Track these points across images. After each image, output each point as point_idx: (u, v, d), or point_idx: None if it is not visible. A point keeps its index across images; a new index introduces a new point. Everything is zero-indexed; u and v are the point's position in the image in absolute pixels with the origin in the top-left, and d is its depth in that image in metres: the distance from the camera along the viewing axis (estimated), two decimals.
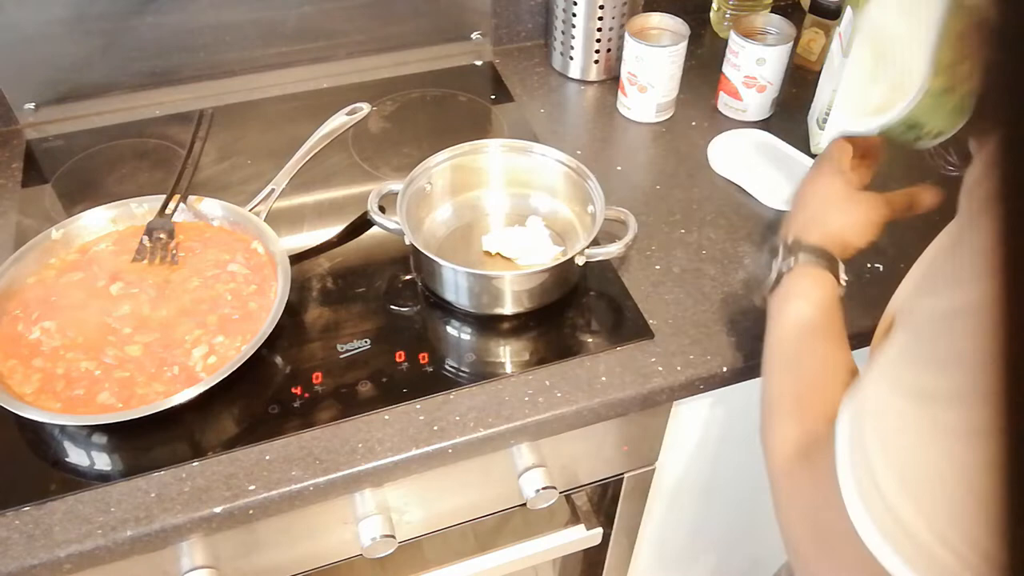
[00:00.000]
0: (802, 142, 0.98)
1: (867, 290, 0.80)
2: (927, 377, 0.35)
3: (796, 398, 0.54)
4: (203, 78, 1.03)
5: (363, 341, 0.75)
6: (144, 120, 1.00)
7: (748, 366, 0.74)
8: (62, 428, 0.68)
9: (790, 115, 1.01)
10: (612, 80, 1.06)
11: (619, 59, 1.00)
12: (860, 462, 0.38)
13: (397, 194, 0.78)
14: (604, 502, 0.92)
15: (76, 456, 0.67)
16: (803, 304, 0.60)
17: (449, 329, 0.77)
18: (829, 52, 0.95)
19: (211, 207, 0.82)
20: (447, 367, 0.73)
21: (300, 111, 1.01)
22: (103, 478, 0.65)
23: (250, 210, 0.81)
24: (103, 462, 0.67)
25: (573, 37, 1.04)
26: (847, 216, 0.65)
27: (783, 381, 0.57)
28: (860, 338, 0.78)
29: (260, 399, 0.70)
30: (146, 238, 0.79)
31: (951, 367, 0.33)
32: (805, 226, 0.65)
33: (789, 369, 0.58)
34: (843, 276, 0.63)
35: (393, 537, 0.72)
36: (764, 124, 1.01)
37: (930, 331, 0.35)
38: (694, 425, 0.86)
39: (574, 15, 1.02)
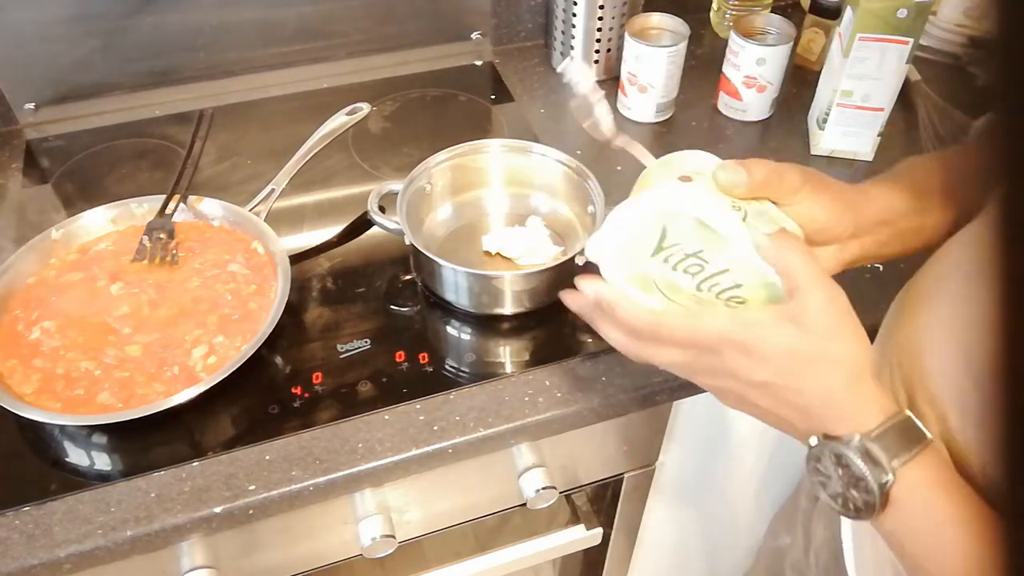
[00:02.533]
0: (802, 142, 0.98)
1: (867, 289, 0.80)
2: None
3: None
4: (203, 78, 1.03)
5: (363, 341, 0.75)
6: (144, 120, 1.00)
7: None
8: (62, 428, 0.68)
9: (790, 115, 1.01)
10: (612, 80, 1.06)
11: (619, 59, 1.00)
12: None
13: (397, 194, 0.78)
14: (604, 502, 0.92)
15: (76, 456, 0.67)
16: (960, 540, 0.43)
17: (449, 329, 0.77)
18: (829, 52, 0.95)
19: (211, 207, 0.82)
20: (447, 367, 0.73)
21: (300, 111, 1.01)
22: (103, 478, 0.65)
23: (250, 210, 0.81)
24: (103, 462, 0.67)
25: (573, 37, 1.04)
26: (855, 336, 0.48)
27: None
28: None
29: (260, 399, 0.70)
30: (146, 238, 0.79)
31: None
32: (844, 404, 0.47)
33: None
34: (920, 427, 0.46)
35: (393, 537, 0.72)
36: (764, 124, 1.01)
37: None
38: (694, 425, 0.86)
39: (574, 15, 1.02)
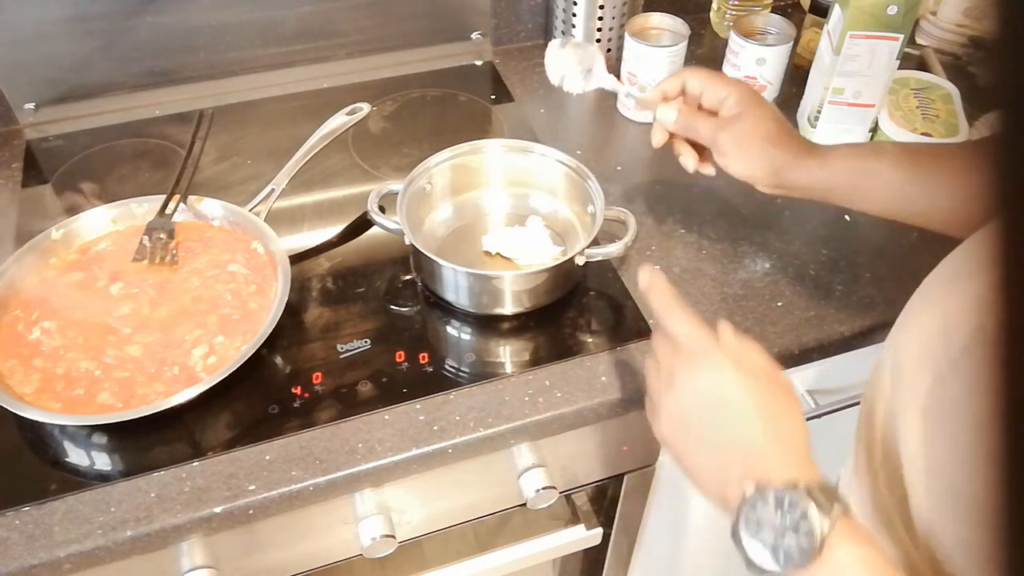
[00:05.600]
0: None
1: (864, 290, 0.80)
2: None
3: None
4: (203, 78, 1.03)
5: (363, 341, 0.75)
6: (144, 120, 1.00)
7: None
8: (62, 428, 0.68)
9: (790, 115, 1.01)
10: None
11: (619, 59, 1.00)
12: None
13: (397, 194, 0.78)
14: (604, 502, 0.92)
15: (76, 456, 0.67)
16: None
17: (449, 329, 0.77)
18: (818, 50, 0.95)
19: (211, 207, 0.82)
20: (447, 367, 0.73)
21: (300, 111, 1.01)
22: (103, 478, 0.65)
23: (250, 210, 0.81)
24: (103, 462, 0.67)
25: (573, 37, 1.04)
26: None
27: None
28: (857, 339, 0.78)
29: (260, 399, 0.70)
30: (146, 238, 0.79)
31: None
32: (785, 455, 0.50)
33: None
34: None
35: (393, 537, 0.72)
36: None
37: None
38: None
39: (574, 15, 1.02)
